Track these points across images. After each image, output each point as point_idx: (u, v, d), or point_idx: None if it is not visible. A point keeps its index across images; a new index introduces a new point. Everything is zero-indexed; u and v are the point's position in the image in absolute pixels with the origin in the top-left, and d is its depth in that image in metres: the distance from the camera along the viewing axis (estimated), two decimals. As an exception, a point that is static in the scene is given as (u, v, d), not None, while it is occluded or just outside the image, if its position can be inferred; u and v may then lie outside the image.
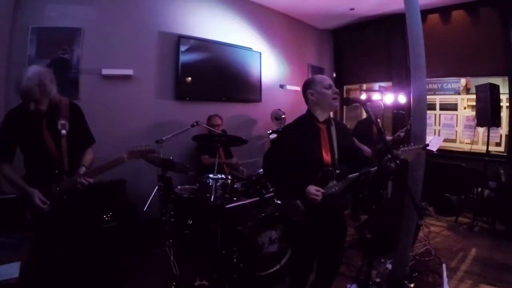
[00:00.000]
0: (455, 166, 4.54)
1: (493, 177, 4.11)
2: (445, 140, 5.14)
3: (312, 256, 1.90)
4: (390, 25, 5.40)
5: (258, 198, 2.94)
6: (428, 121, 5.13)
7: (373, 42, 5.87)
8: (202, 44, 4.11)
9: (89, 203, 2.11)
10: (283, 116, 4.40)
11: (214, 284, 2.52)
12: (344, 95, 6.53)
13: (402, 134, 4.31)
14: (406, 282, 2.54)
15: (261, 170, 3.05)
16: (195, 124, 3.29)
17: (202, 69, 4.08)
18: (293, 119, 1.97)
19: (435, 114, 5.45)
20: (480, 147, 4.82)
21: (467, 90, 5.18)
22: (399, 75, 5.36)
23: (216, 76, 4.25)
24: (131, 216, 3.14)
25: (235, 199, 2.84)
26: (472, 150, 4.66)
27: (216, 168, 2.71)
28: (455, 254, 3.22)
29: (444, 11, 4.90)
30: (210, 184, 2.68)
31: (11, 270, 1.53)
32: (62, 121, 1.81)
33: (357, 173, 1.75)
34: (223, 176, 2.75)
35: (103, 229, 2.89)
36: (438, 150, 4.50)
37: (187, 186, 3.16)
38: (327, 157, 1.80)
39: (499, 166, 4.18)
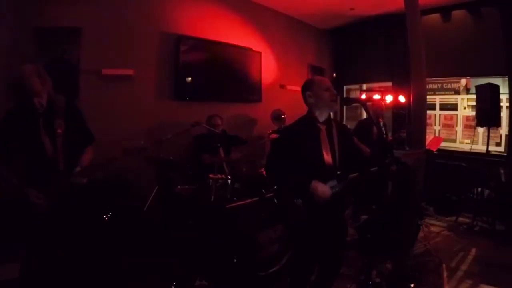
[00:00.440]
0: (455, 166, 4.54)
1: (493, 177, 4.11)
2: (445, 140, 5.14)
3: (312, 256, 1.90)
4: (390, 25, 5.40)
5: (258, 198, 2.94)
6: (428, 121, 5.14)
7: (373, 42, 5.87)
8: (202, 44, 4.11)
9: (89, 203, 2.11)
10: (283, 116, 4.40)
11: (214, 284, 2.52)
12: (344, 95, 6.53)
13: (403, 135, 4.30)
14: (406, 282, 2.54)
15: (262, 170, 3.05)
16: (195, 124, 3.29)
17: (202, 69, 4.08)
18: (293, 119, 1.97)
19: (435, 114, 5.45)
20: (480, 147, 4.82)
21: (467, 90, 5.18)
22: (399, 75, 5.35)
23: (216, 76, 4.25)
24: (131, 216, 3.14)
25: (235, 199, 2.84)
26: (472, 150, 4.66)
27: (216, 168, 2.71)
28: (455, 254, 3.22)
29: (444, 11, 4.90)
30: (210, 184, 2.68)
31: (11, 270, 1.53)
32: (59, 121, 1.81)
33: (357, 173, 1.75)
34: (223, 176, 2.75)
35: (103, 229, 2.88)
36: (438, 150, 4.50)
37: (187, 186, 3.16)
38: (327, 157, 1.80)
39: (499, 166, 4.18)
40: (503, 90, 4.38)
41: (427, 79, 2.49)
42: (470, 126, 5.08)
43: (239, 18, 4.64)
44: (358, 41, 6.11)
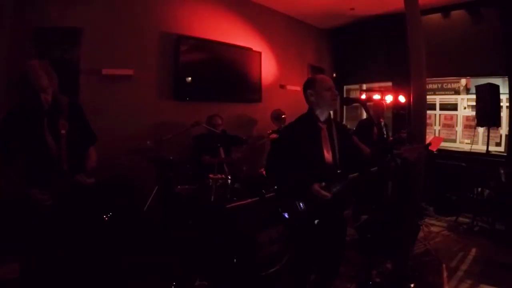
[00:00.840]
0: (455, 166, 4.54)
1: (493, 177, 4.11)
2: (445, 140, 5.14)
3: (312, 256, 1.90)
4: (390, 25, 5.40)
5: (258, 198, 2.94)
6: (428, 121, 5.14)
7: (373, 42, 5.88)
8: (202, 44, 4.11)
9: (89, 203, 2.11)
10: (283, 116, 4.40)
11: (214, 284, 2.52)
12: (344, 95, 6.53)
13: (404, 135, 4.30)
14: (406, 282, 2.54)
15: (262, 170, 3.05)
16: (195, 124, 3.29)
17: (202, 69, 4.08)
18: (293, 119, 1.97)
19: (435, 114, 5.45)
20: (480, 147, 4.82)
21: (467, 90, 5.18)
22: (399, 75, 5.34)
23: (216, 76, 4.25)
24: (131, 216, 3.14)
25: (235, 199, 2.84)
26: (472, 150, 4.66)
27: (216, 168, 2.71)
28: (455, 254, 3.22)
29: (444, 11, 4.90)
30: (210, 184, 2.68)
31: (11, 270, 1.53)
32: (62, 121, 1.81)
33: (357, 173, 1.75)
34: (223, 176, 2.75)
35: (103, 229, 2.88)
36: (438, 150, 4.50)
37: (187, 186, 3.16)
38: (328, 156, 1.80)
39: (499, 166, 4.18)
40: (503, 90, 4.38)
41: (427, 79, 2.49)
42: (470, 126, 5.08)
43: (239, 18, 4.64)
44: (358, 41, 6.11)
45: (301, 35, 5.78)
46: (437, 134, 5.35)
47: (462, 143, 5.21)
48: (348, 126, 4.83)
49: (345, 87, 6.57)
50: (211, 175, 2.73)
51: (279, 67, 5.30)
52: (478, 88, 4.16)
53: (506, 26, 4.30)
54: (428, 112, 4.95)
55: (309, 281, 1.96)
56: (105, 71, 3.30)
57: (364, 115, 5.75)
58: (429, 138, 4.29)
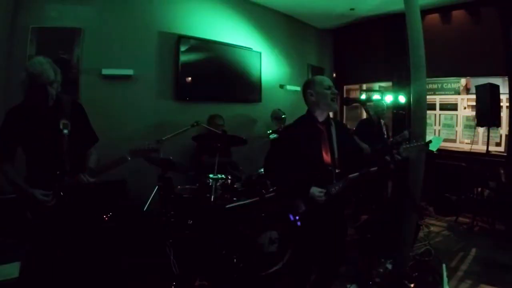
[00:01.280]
0: (455, 166, 4.54)
1: (493, 177, 4.11)
2: (445, 140, 5.14)
3: (312, 256, 1.90)
4: (390, 25, 5.40)
5: (258, 198, 2.94)
6: (428, 121, 5.14)
7: (373, 42, 5.87)
8: (202, 44, 4.11)
9: (89, 203, 2.11)
10: (283, 116, 4.40)
11: (214, 284, 2.52)
12: (344, 95, 6.53)
13: (399, 139, 4.24)
14: (406, 282, 2.54)
15: (261, 169, 3.05)
16: (195, 124, 3.29)
17: (202, 69, 4.08)
18: (293, 119, 1.97)
19: (435, 114, 5.45)
20: (480, 147, 4.82)
21: (467, 90, 5.18)
22: (399, 75, 5.35)
23: (216, 76, 4.25)
24: (131, 216, 3.14)
25: (235, 199, 2.84)
26: (472, 150, 4.66)
27: (216, 168, 2.71)
28: (455, 254, 3.22)
29: (444, 11, 4.90)
30: (210, 184, 2.68)
31: (11, 270, 1.53)
32: (64, 121, 1.80)
33: (357, 173, 1.75)
34: (223, 176, 2.75)
35: (103, 229, 2.88)
36: (438, 150, 4.50)
37: (187, 186, 3.16)
38: (327, 157, 1.80)
39: (499, 166, 4.18)
40: (503, 90, 4.38)
41: (427, 79, 2.49)
42: (470, 126, 5.08)
43: (239, 18, 4.64)
44: (358, 41, 6.11)
45: (301, 35, 5.78)
46: (437, 134, 5.35)
47: (462, 143, 5.21)
48: (348, 126, 4.82)
49: (345, 87, 6.57)
50: (211, 175, 2.72)
51: (279, 67, 5.30)
52: (478, 88, 4.16)
53: (506, 26, 4.30)
54: (428, 112, 4.95)
55: (309, 281, 1.96)
56: (105, 71, 3.30)
57: (364, 115, 5.75)
58: (429, 138, 4.29)
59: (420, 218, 3.87)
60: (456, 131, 5.29)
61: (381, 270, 2.71)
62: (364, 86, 6.39)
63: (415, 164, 2.46)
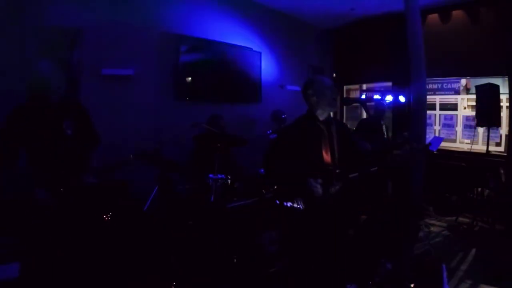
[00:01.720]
0: (455, 166, 4.54)
1: (493, 177, 4.11)
2: (445, 140, 5.14)
3: (312, 256, 1.90)
4: (390, 25, 5.39)
5: (258, 198, 2.94)
6: (428, 121, 5.14)
7: (373, 42, 5.87)
8: (202, 44, 4.12)
9: (89, 203, 2.11)
10: (283, 116, 4.40)
11: (214, 284, 2.51)
12: (344, 95, 6.52)
13: (399, 141, 4.25)
14: (406, 282, 2.54)
15: (261, 169, 3.05)
16: (195, 124, 3.29)
17: (202, 69, 4.08)
18: (293, 120, 1.97)
19: (435, 114, 5.45)
20: (480, 147, 4.82)
21: (467, 90, 5.18)
22: (399, 75, 5.35)
23: (216, 76, 4.25)
24: (131, 216, 3.14)
25: (235, 199, 2.84)
26: (472, 150, 4.66)
27: (216, 168, 2.71)
28: (455, 254, 3.22)
29: (443, 11, 4.90)
30: (210, 184, 2.68)
31: (11, 270, 1.53)
32: (68, 122, 1.81)
33: (357, 173, 1.75)
34: (223, 176, 2.74)
35: (103, 229, 2.88)
36: (438, 150, 4.50)
37: (187, 186, 3.16)
38: (327, 157, 1.80)
39: (499, 166, 4.18)
40: (503, 90, 4.38)
41: (427, 79, 2.49)
42: (470, 126, 5.08)
43: (239, 18, 4.64)
44: (358, 41, 6.10)
45: (301, 35, 5.77)
46: (437, 134, 5.35)
47: (462, 143, 5.21)
48: (348, 126, 4.82)
49: (345, 87, 6.56)
50: (211, 175, 2.72)
51: (279, 67, 5.30)
52: (478, 88, 4.16)
53: (506, 26, 4.30)
54: (428, 112, 4.95)
55: (309, 281, 1.96)
56: (105, 71, 3.30)
57: (364, 115, 5.75)
58: (429, 138, 4.29)
59: (420, 218, 3.88)
60: (456, 131, 5.29)
61: (381, 270, 2.71)
62: (364, 86, 6.39)
63: (415, 164, 2.45)
